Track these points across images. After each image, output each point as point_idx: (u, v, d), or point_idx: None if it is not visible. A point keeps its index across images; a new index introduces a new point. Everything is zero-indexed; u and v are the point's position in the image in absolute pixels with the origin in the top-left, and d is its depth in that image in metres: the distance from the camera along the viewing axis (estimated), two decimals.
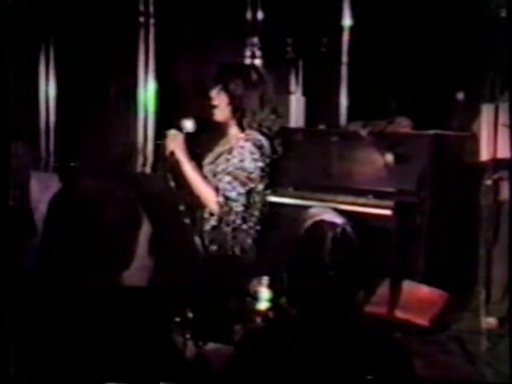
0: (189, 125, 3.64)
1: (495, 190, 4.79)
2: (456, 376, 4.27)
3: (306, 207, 3.58)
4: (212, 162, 3.68)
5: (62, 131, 5.99)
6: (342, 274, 2.17)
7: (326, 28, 6.40)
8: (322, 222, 2.21)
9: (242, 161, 3.55)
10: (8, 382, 1.92)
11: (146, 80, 6.09)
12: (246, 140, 3.57)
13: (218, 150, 3.72)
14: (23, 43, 5.49)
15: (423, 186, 5.10)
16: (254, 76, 3.65)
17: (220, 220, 3.62)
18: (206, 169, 3.67)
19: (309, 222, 2.21)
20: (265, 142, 3.59)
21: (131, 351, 1.97)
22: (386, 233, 4.97)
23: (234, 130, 3.67)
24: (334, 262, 2.15)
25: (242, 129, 3.63)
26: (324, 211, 2.27)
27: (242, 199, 3.56)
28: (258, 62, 6.25)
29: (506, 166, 4.71)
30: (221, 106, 3.63)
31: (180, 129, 3.63)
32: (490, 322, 4.75)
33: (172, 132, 3.62)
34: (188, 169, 3.58)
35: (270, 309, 3.06)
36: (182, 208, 3.64)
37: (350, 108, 6.38)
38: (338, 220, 2.24)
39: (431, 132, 5.28)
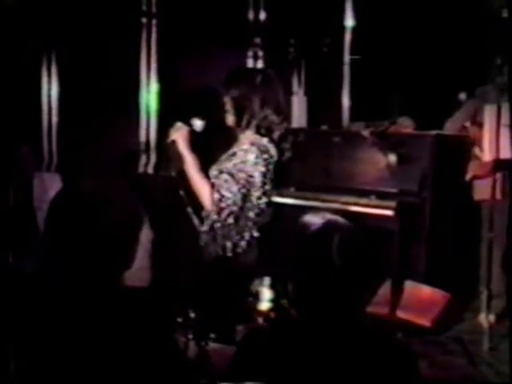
0: (198, 124, 3.66)
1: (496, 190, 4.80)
2: (457, 376, 4.27)
3: (309, 208, 3.61)
4: (219, 164, 3.68)
5: (64, 132, 6.00)
6: (349, 278, 2.17)
7: (328, 28, 6.41)
8: (328, 226, 2.21)
9: (243, 162, 3.55)
10: (8, 382, 1.93)
11: (148, 80, 6.09)
12: (252, 144, 3.57)
13: (226, 153, 3.72)
14: (25, 45, 5.50)
15: (425, 187, 5.10)
16: (258, 78, 3.66)
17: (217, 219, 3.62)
18: (213, 171, 3.66)
19: (314, 226, 2.20)
20: (271, 148, 3.59)
21: (133, 351, 1.97)
22: (387, 233, 4.97)
23: (242, 134, 3.67)
24: (341, 265, 2.15)
25: (249, 132, 3.63)
26: (327, 215, 2.26)
27: (237, 199, 3.55)
28: (260, 62, 6.26)
29: (508, 166, 4.72)
30: (230, 111, 3.66)
31: (189, 126, 3.66)
32: (490, 319, 4.77)
33: (178, 124, 3.64)
34: (188, 160, 3.59)
35: (271, 309, 3.07)
36: (183, 196, 3.66)
37: (352, 108, 6.39)
38: (343, 224, 2.24)
39: (433, 132, 5.28)
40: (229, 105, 3.65)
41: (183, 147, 3.60)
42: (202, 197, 3.58)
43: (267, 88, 3.65)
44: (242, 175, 3.53)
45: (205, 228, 3.65)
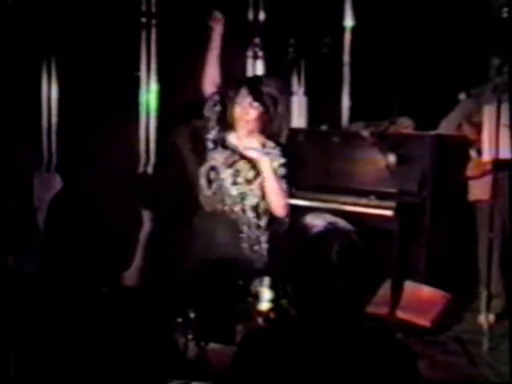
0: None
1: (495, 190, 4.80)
2: (457, 376, 4.27)
3: (308, 208, 3.62)
4: (230, 167, 3.69)
5: (64, 132, 5.99)
6: (349, 282, 2.16)
7: (327, 28, 6.40)
8: (327, 231, 2.20)
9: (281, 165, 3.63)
10: (8, 382, 1.93)
11: (148, 80, 6.09)
12: (274, 148, 3.65)
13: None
14: (25, 45, 5.50)
15: (425, 187, 5.10)
16: (282, 89, 3.73)
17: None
18: (226, 173, 3.67)
19: (315, 230, 2.20)
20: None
21: (133, 351, 1.97)
22: (387, 233, 4.97)
23: (251, 139, 3.70)
24: (341, 270, 2.15)
25: (260, 137, 3.67)
26: (324, 217, 2.26)
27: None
28: (260, 62, 6.26)
29: (507, 166, 4.72)
30: (252, 120, 3.66)
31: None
32: (490, 319, 4.78)
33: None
34: (264, 162, 3.58)
35: (271, 309, 3.07)
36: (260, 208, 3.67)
37: (351, 109, 6.39)
38: (343, 227, 2.23)
39: (433, 133, 5.28)
40: (254, 114, 3.64)
41: (263, 160, 3.61)
42: (277, 200, 3.60)
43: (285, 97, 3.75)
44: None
45: (264, 238, 3.68)
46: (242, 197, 3.64)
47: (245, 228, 3.65)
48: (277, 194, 3.57)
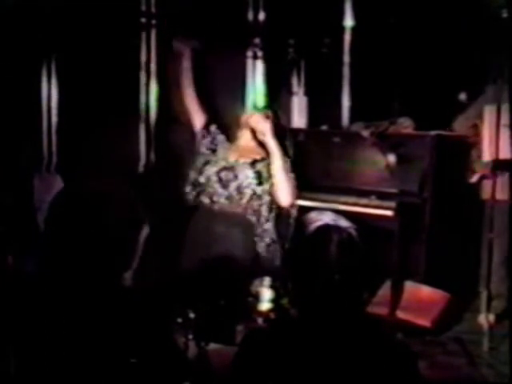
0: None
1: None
2: (457, 376, 4.27)
3: (308, 208, 3.63)
4: (252, 166, 3.74)
5: (64, 132, 5.99)
6: (348, 278, 2.17)
7: (327, 28, 6.40)
8: (327, 226, 2.21)
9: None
10: (8, 382, 1.93)
11: (147, 81, 6.09)
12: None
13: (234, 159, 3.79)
14: (25, 45, 5.50)
15: (425, 187, 5.10)
16: None
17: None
18: (248, 173, 3.72)
19: (313, 226, 2.21)
20: None
21: (133, 351, 1.97)
22: (387, 233, 4.97)
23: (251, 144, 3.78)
24: (341, 266, 2.15)
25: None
26: (326, 214, 2.27)
27: None
28: (260, 62, 6.26)
29: (507, 166, 4.72)
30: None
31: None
32: (490, 319, 4.77)
33: (258, 115, 3.72)
34: (276, 152, 3.65)
35: (271, 309, 3.07)
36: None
37: (352, 109, 6.39)
38: (343, 224, 2.23)
39: (433, 133, 5.28)
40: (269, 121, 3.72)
41: (271, 138, 3.63)
42: (284, 190, 3.67)
43: None
44: None
45: (270, 227, 3.71)
46: (263, 195, 3.69)
47: (260, 224, 3.69)
48: (284, 183, 3.65)
